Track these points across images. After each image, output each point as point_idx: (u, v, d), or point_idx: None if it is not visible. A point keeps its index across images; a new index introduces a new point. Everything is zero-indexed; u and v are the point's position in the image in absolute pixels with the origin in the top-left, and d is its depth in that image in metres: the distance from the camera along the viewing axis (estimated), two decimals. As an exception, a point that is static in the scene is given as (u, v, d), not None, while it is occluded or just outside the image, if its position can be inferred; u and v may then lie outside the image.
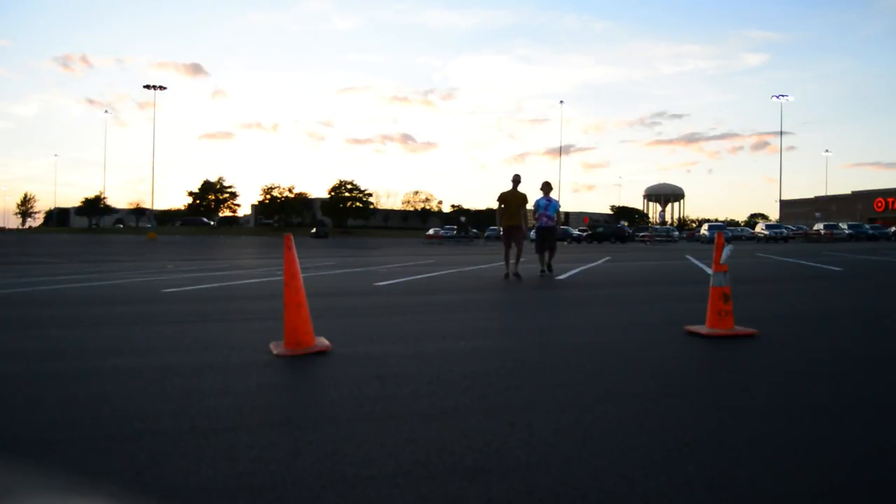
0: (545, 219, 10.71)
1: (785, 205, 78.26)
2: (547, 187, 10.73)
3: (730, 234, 45.37)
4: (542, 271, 10.50)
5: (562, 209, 11.33)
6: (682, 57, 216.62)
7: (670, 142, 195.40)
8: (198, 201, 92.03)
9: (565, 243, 48.39)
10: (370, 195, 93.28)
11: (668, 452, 2.06)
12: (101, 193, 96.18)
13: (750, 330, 4.42)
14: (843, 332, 4.70)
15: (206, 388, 3.02)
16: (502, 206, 10.27)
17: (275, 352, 3.84)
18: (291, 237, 4.09)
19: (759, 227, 49.82)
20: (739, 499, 1.72)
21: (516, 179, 10.33)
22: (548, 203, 10.67)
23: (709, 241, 43.16)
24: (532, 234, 12.37)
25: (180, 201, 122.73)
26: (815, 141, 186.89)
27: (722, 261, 4.50)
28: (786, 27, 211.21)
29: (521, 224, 10.14)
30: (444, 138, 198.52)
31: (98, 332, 5.06)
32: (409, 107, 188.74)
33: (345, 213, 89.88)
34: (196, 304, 7.28)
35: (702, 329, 4.43)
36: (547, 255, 10.73)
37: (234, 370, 3.44)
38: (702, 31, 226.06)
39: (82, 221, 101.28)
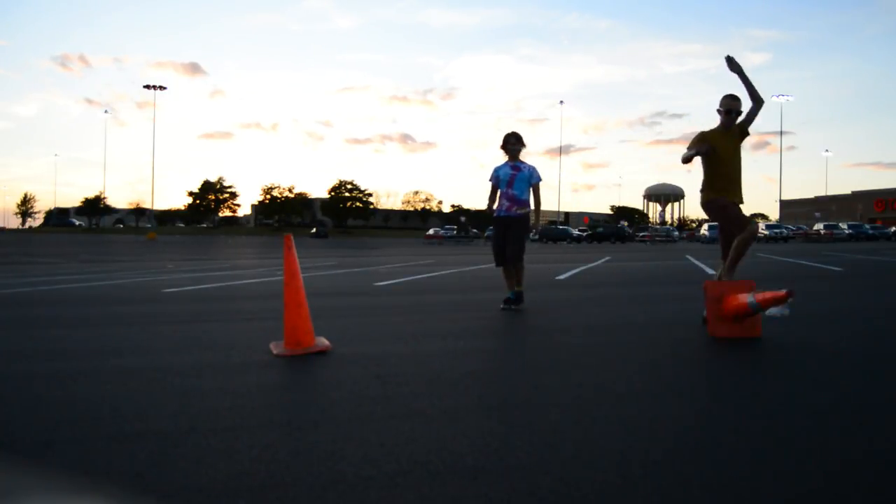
0: (507, 202, 5.97)
1: (785, 205, 78.27)
2: (513, 143, 6.02)
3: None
4: (508, 302, 5.92)
5: (543, 181, 6.15)
6: (683, 56, 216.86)
7: (670, 141, 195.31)
8: (198, 201, 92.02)
9: (565, 243, 48.31)
10: (370, 195, 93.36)
11: (668, 452, 2.05)
12: (101, 193, 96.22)
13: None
14: (843, 331, 4.69)
15: (206, 388, 3.02)
16: (700, 151, 4.81)
17: (275, 352, 3.84)
18: (291, 237, 4.09)
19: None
20: (740, 498, 1.72)
21: (731, 104, 4.85)
22: (514, 174, 5.95)
23: (708, 241, 43.13)
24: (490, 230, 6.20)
25: (180, 201, 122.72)
26: (815, 141, 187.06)
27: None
28: (789, 26, 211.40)
29: (740, 195, 4.92)
30: (443, 138, 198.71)
31: (98, 332, 5.07)
32: (409, 106, 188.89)
33: (345, 213, 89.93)
34: (196, 303, 7.28)
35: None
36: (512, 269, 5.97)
37: (234, 370, 3.44)
38: (704, 30, 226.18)
39: (82, 221, 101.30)
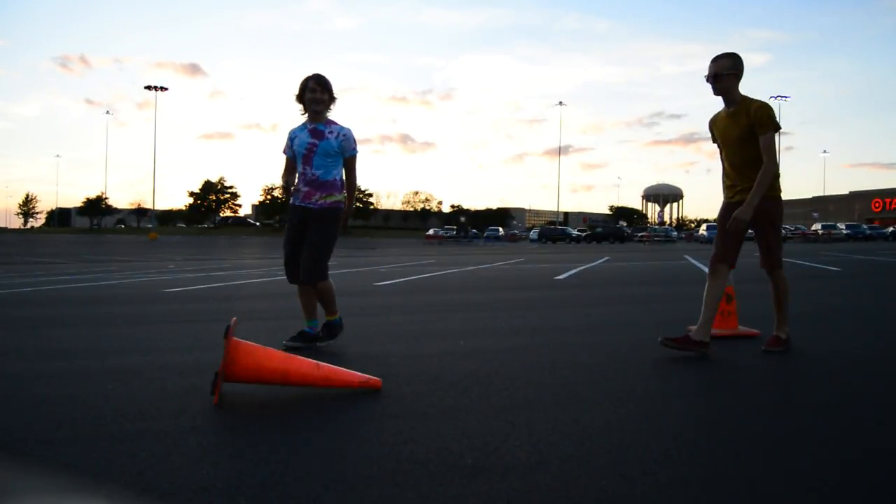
0: (306, 187, 3.94)
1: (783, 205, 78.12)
2: (314, 92, 3.89)
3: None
4: (303, 337, 3.98)
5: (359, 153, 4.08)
6: (682, 57, 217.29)
7: (669, 142, 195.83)
8: (199, 201, 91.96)
9: (564, 243, 48.27)
10: (370, 195, 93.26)
11: (667, 451, 2.06)
12: (103, 194, 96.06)
13: (753, 330, 4.41)
14: (842, 331, 4.69)
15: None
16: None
17: None
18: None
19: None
20: (739, 497, 1.72)
21: (711, 68, 3.60)
22: (314, 143, 3.90)
23: (707, 240, 43.07)
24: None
25: (181, 201, 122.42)
26: (813, 141, 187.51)
27: None
28: (788, 26, 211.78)
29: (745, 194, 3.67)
30: (442, 138, 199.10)
31: (100, 332, 5.07)
32: (408, 107, 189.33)
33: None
34: (197, 303, 7.28)
35: None
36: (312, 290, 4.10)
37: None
38: (703, 30, 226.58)
39: (84, 221, 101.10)
